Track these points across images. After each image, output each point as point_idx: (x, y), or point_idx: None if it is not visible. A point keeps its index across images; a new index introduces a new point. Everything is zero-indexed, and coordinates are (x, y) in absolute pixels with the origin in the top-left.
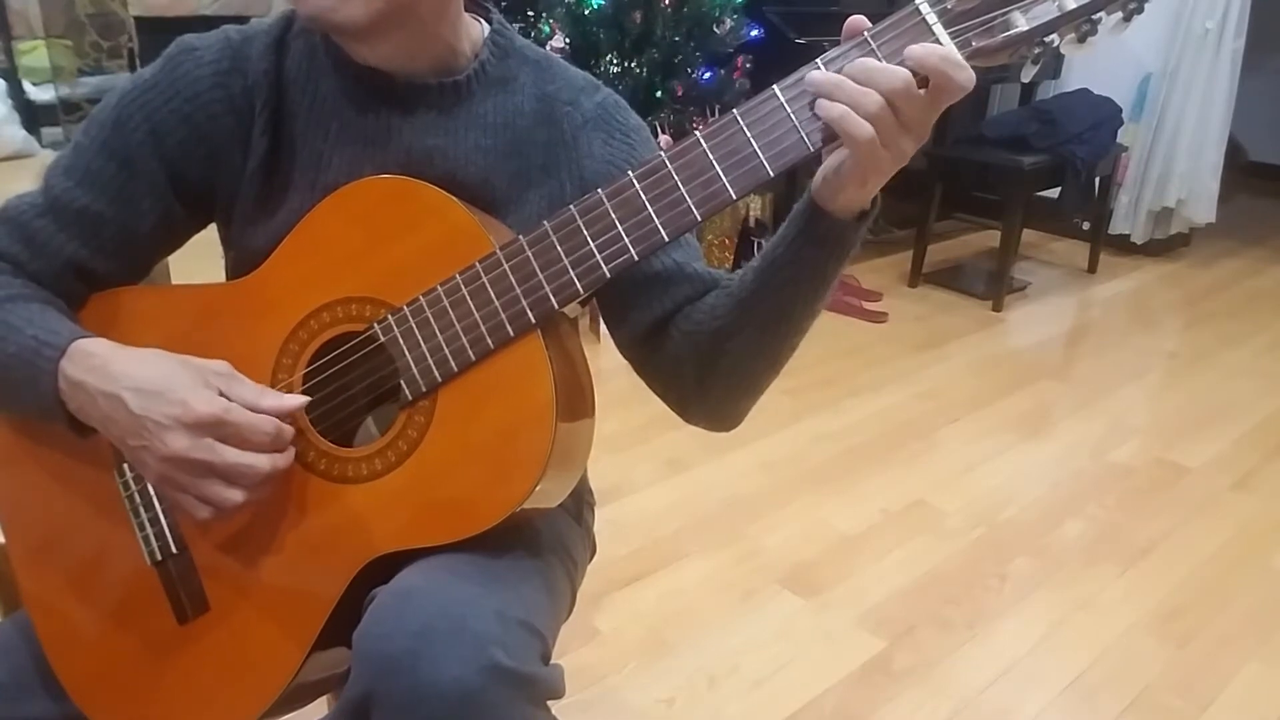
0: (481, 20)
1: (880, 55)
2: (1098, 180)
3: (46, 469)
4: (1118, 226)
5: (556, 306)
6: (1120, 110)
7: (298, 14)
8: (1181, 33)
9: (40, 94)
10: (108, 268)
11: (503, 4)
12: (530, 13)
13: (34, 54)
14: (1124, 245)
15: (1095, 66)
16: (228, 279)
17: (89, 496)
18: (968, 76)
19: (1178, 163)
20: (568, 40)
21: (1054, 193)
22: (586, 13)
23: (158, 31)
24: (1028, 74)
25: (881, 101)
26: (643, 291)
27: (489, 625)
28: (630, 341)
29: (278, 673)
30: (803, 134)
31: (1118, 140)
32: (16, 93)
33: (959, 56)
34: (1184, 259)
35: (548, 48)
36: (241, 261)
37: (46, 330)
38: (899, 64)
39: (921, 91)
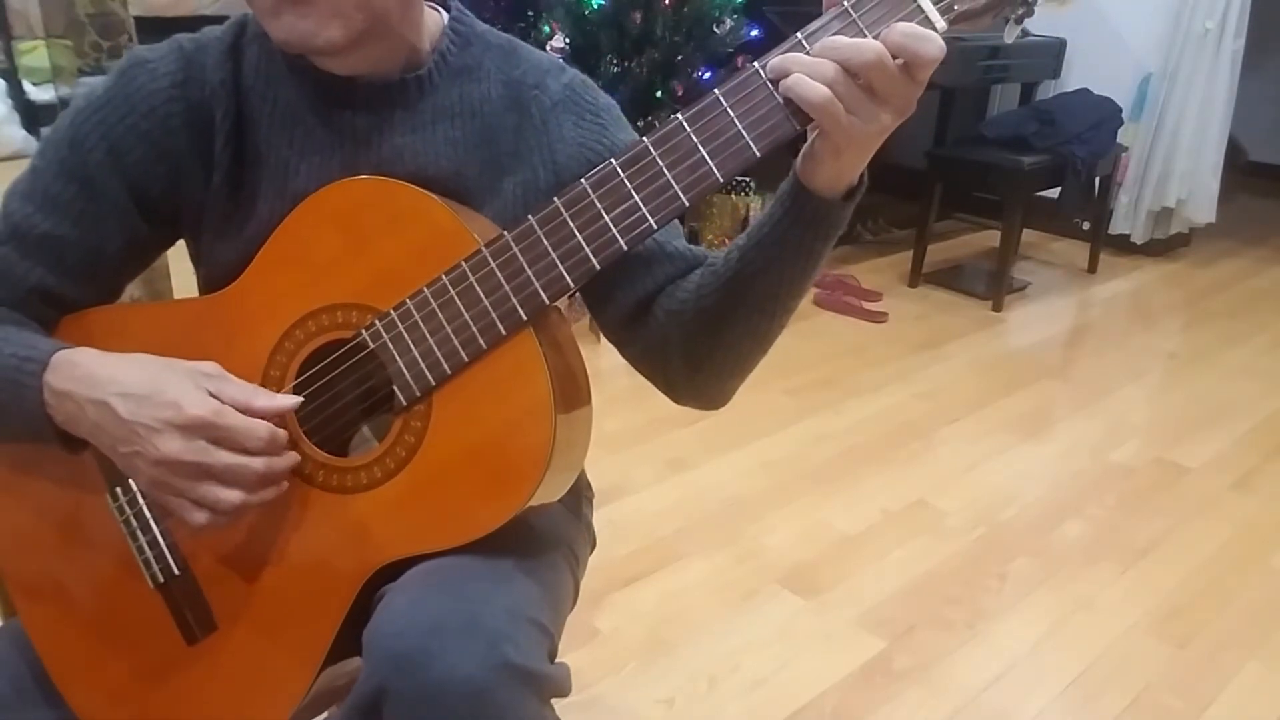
0: (440, 9)
1: (861, 24)
2: (1098, 180)
3: (39, 503)
4: (1118, 226)
5: (547, 302)
6: (1120, 110)
7: (272, 37)
8: (1181, 33)
9: (40, 94)
10: (76, 292)
11: (502, 4)
12: (530, 13)
13: (34, 54)
14: (1124, 245)
15: (1095, 66)
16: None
17: (85, 526)
18: (936, 46)
19: (1178, 163)
20: (568, 40)
21: (1054, 193)
22: (586, 13)
23: (158, 32)
24: (1010, 34)
25: (836, 68)
26: (624, 272)
27: (500, 623)
28: (614, 323)
29: (293, 685)
30: (788, 111)
31: (1118, 140)
32: (16, 93)
33: (920, 29)
34: (1184, 259)
35: (548, 48)
36: (213, 278)
37: (25, 347)
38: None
39: (898, 62)
